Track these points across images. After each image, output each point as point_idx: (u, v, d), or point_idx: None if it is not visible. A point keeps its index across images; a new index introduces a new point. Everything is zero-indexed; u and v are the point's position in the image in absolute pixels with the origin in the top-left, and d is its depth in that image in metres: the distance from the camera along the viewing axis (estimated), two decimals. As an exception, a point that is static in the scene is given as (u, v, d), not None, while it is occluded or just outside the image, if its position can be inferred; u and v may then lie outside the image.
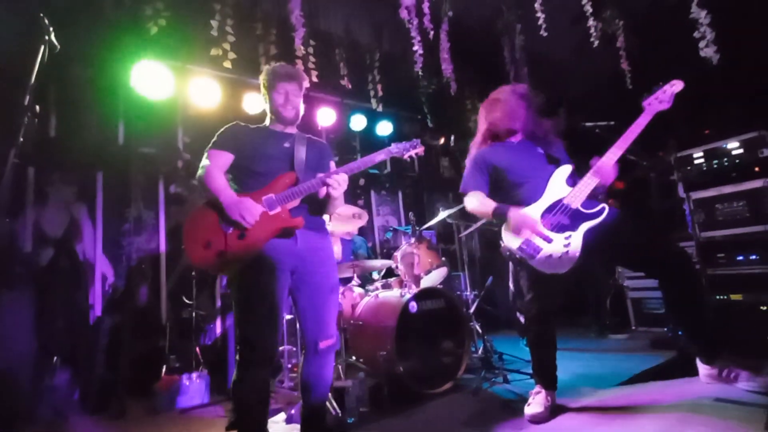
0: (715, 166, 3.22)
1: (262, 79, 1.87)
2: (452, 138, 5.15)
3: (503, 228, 1.93)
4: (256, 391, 1.59)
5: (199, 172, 1.69)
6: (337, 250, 3.24)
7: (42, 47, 1.38)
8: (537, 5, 3.17)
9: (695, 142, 3.33)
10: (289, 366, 2.84)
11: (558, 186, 1.93)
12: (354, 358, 2.73)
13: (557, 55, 4.03)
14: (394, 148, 1.89)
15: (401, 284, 3.06)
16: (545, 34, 3.20)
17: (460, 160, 4.85)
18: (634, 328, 3.87)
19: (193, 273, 3.21)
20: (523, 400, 2.02)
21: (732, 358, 1.76)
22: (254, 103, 3.79)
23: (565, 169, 1.96)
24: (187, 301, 3.14)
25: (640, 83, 3.57)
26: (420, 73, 3.62)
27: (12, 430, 2.35)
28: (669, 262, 1.78)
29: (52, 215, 3.22)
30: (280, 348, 2.83)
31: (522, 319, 3.39)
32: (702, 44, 2.91)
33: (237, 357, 1.58)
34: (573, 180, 1.94)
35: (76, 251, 3.27)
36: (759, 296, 2.87)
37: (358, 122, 4.64)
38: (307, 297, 1.71)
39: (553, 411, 1.89)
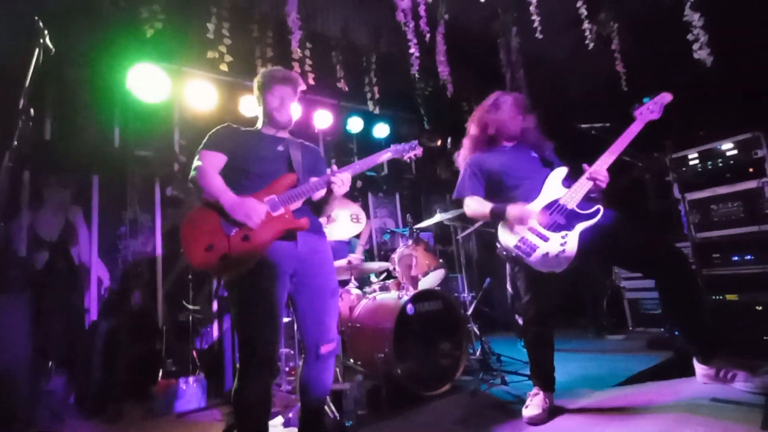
0: (710, 167, 3.24)
1: (257, 81, 1.85)
2: (449, 140, 5.16)
3: (500, 227, 1.94)
4: (258, 400, 1.53)
5: (193, 173, 1.64)
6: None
7: (37, 50, 1.37)
8: (532, 8, 3.19)
9: (690, 144, 3.36)
10: (287, 369, 2.83)
11: (554, 187, 1.95)
12: (352, 360, 2.72)
13: (553, 57, 4.05)
14: (394, 149, 1.90)
15: (399, 286, 3.06)
16: (541, 36, 3.22)
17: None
18: (631, 328, 3.88)
19: (190, 276, 3.19)
20: (521, 401, 2.02)
21: (729, 358, 1.77)
22: (251, 105, 3.78)
23: (561, 171, 1.99)
24: (188, 306, 3.12)
25: (635, 85, 3.59)
26: (417, 75, 3.63)
27: (8, 434, 2.33)
28: (666, 263, 1.79)
29: (48, 218, 3.21)
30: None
31: (520, 321, 3.39)
32: (696, 46, 2.93)
33: (238, 364, 1.54)
34: (568, 182, 1.95)
35: (72, 254, 3.25)
36: (754, 296, 2.88)
37: (355, 124, 4.65)
38: (307, 300, 1.68)
39: (551, 412, 1.89)
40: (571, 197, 1.87)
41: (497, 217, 1.94)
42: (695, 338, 1.81)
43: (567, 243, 1.80)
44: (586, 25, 3.34)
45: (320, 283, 1.70)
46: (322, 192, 1.74)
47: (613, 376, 2.44)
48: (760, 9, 3.09)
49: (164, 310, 3.51)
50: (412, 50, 3.36)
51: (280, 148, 1.78)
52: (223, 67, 3.08)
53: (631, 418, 1.72)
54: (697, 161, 3.31)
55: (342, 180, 1.68)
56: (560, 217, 1.85)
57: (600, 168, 1.89)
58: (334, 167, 1.74)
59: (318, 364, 1.68)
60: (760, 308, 2.85)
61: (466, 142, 2.22)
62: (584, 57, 3.56)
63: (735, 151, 3.12)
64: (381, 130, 4.85)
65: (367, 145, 5.13)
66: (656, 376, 2.29)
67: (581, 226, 1.82)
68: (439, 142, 5.42)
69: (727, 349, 1.79)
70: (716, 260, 3.13)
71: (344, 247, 3.48)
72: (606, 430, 1.66)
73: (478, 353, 2.94)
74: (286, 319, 2.98)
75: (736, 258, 3.04)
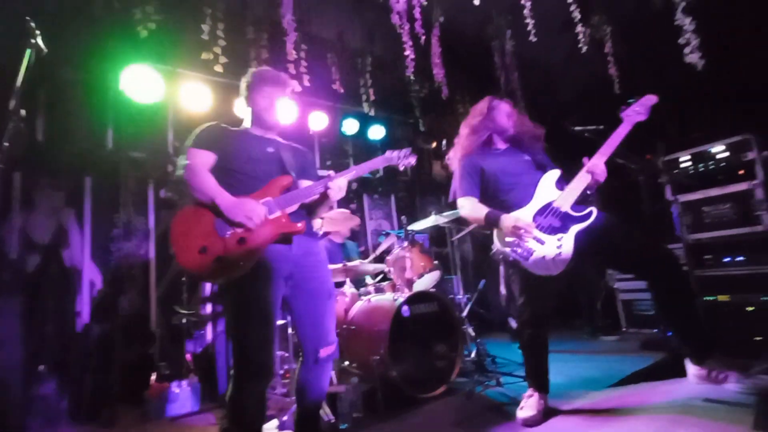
0: (702, 169, 3.27)
1: (245, 80, 1.81)
2: (444, 142, 5.18)
3: (495, 231, 1.94)
4: (253, 406, 1.50)
5: (181, 172, 1.58)
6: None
7: (29, 50, 1.36)
8: (526, 11, 3.21)
9: (682, 146, 3.39)
10: (281, 372, 2.81)
11: (547, 190, 1.96)
12: (347, 363, 2.71)
13: (547, 60, 4.08)
14: (389, 156, 1.91)
15: (394, 288, 3.06)
16: (535, 39, 3.24)
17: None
18: (624, 329, 3.90)
19: (183, 279, 3.17)
20: (516, 403, 2.02)
21: (720, 358, 1.78)
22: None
23: (554, 174, 2.00)
24: (181, 311, 3.09)
25: (628, 88, 3.63)
26: (412, 77, 3.64)
27: (-1, 440, 2.30)
28: (657, 264, 1.80)
29: (40, 221, 3.17)
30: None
31: (513, 323, 3.40)
32: (687, 50, 2.97)
33: (232, 371, 1.50)
34: (561, 184, 1.96)
35: (64, 257, 3.22)
36: (746, 297, 2.91)
37: (350, 126, 4.65)
38: (304, 304, 1.66)
39: (546, 414, 1.90)
40: (565, 199, 1.88)
41: (491, 225, 1.95)
42: (688, 339, 1.82)
43: (563, 246, 1.81)
44: (579, 28, 3.37)
45: (317, 286, 1.69)
46: (316, 195, 1.73)
47: (607, 377, 2.46)
48: (751, 12, 3.14)
49: (157, 314, 3.48)
50: (407, 52, 3.37)
51: (270, 149, 1.74)
52: (218, 69, 3.07)
53: (625, 418, 1.73)
54: (689, 163, 3.34)
55: (339, 186, 1.68)
56: (555, 220, 1.86)
57: (599, 161, 1.90)
58: (332, 173, 1.73)
59: (316, 367, 1.66)
60: (752, 309, 2.88)
61: (460, 145, 2.23)
62: (577, 60, 3.59)
63: (726, 154, 3.16)
64: (376, 132, 4.85)
65: (362, 146, 5.13)
66: (650, 377, 2.30)
67: (576, 228, 1.83)
68: (434, 145, 5.44)
69: (719, 349, 1.81)
70: (708, 261, 3.16)
71: (338, 250, 3.48)
72: (600, 431, 1.67)
73: (473, 355, 2.94)
74: (280, 321, 2.96)
75: (727, 259, 3.07)
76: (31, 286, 3.00)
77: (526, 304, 2.01)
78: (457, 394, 2.49)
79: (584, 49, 3.45)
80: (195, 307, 3.52)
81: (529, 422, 1.86)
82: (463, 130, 2.24)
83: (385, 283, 3.20)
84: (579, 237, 1.82)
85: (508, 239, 1.87)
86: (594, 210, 1.87)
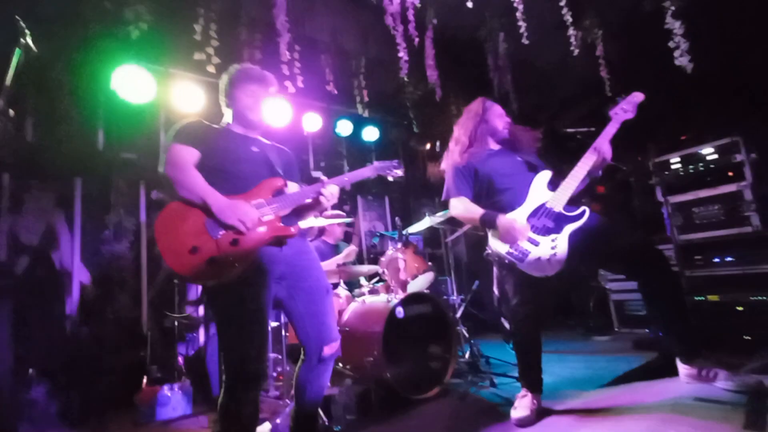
0: (692, 170, 3.31)
1: (227, 76, 1.76)
2: (438, 143, 5.19)
3: (490, 233, 1.95)
4: (247, 412, 1.46)
5: (166, 168, 1.51)
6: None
7: (18, 50, 1.34)
8: (519, 14, 3.23)
9: (672, 148, 3.44)
10: (274, 374, 2.79)
11: (540, 191, 1.97)
12: (341, 364, 2.70)
13: (540, 62, 4.11)
14: (378, 166, 1.93)
15: (388, 289, 3.06)
16: (527, 41, 3.27)
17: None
18: (616, 329, 3.93)
19: (175, 281, 3.14)
20: (510, 403, 2.03)
21: (710, 357, 1.80)
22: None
23: (545, 175, 2.02)
24: (172, 315, 3.05)
25: (619, 90, 3.66)
26: (405, 78, 3.65)
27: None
28: (648, 265, 1.82)
29: (29, 223, 3.12)
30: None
31: (506, 324, 3.41)
32: (677, 53, 3.01)
33: (224, 378, 1.45)
34: (553, 185, 1.98)
35: (53, 259, 3.17)
36: (735, 297, 2.95)
37: (344, 128, 4.64)
38: (303, 303, 1.63)
39: (539, 414, 1.91)
40: (558, 199, 1.90)
41: (487, 226, 1.95)
42: (678, 338, 1.84)
43: (557, 246, 1.83)
44: (571, 31, 3.40)
45: (313, 284, 1.67)
46: (309, 200, 1.71)
47: (600, 377, 2.47)
48: (741, 16, 3.19)
49: (149, 316, 3.44)
50: (400, 54, 3.38)
51: (255, 148, 1.70)
52: (211, 69, 3.05)
53: (618, 418, 1.74)
54: (679, 165, 3.38)
55: (332, 193, 1.68)
56: (548, 221, 1.87)
57: (604, 141, 1.93)
58: (325, 178, 1.72)
59: (320, 366, 1.65)
60: (741, 309, 2.92)
61: (453, 145, 2.24)
62: (569, 62, 3.63)
63: (715, 156, 3.20)
64: (370, 134, 4.85)
65: (356, 148, 5.13)
66: (642, 377, 2.32)
67: (569, 228, 1.85)
68: (428, 146, 5.45)
69: (709, 348, 1.83)
70: (698, 262, 3.20)
71: (331, 251, 3.47)
72: (593, 431, 1.68)
73: (467, 356, 2.95)
74: (274, 323, 2.95)
75: (717, 260, 3.11)
76: (20, 289, 2.95)
77: (520, 305, 2.02)
78: (452, 395, 2.49)
79: (576, 51, 3.48)
80: (188, 309, 3.49)
81: (523, 422, 1.86)
82: (457, 130, 2.25)
83: (379, 285, 3.20)
84: (572, 237, 1.84)
85: (503, 243, 1.88)
86: (587, 210, 1.89)
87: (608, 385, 2.33)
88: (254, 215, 1.50)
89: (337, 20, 3.82)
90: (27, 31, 1.36)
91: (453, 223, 3.38)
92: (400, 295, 2.63)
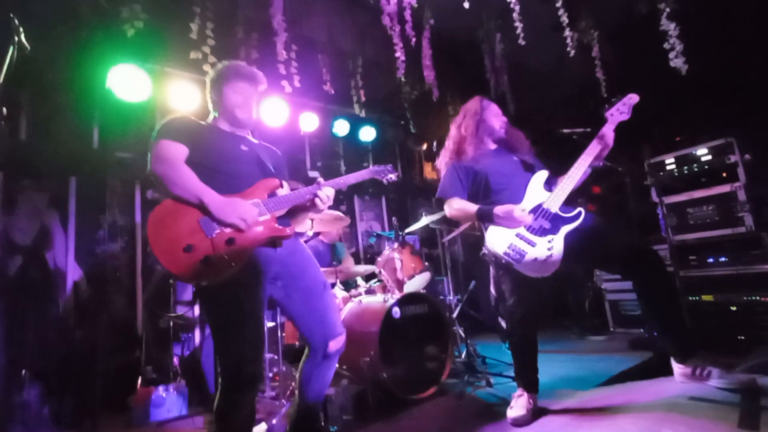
0: (686, 171, 3.34)
1: (215, 72, 1.73)
2: (435, 143, 5.20)
3: (488, 234, 1.95)
4: (243, 414, 1.45)
5: (154, 166, 1.46)
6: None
7: (11, 48, 1.33)
8: (516, 15, 3.24)
9: (667, 149, 3.46)
10: (270, 375, 2.78)
11: (536, 191, 1.98)
12: (337, 365, 2.69)
13: (536, 63, 4.13)
14: (374, 170, 1.94)
15: (384, 290, 3.05)
16: (524, 43, 3.28)
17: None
18: (612, 329, 3.95)
19: (171, 281, 3.12)
20: (506, 403, 2.03)
21: (704, 356, 1.82)
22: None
23: (542, 175, 2.02)
24: (167, 315, 3.03)
25: (615, 91, 3.69)
26: (402, 79, 3.65)
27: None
28: (642, 265, 1.83)
29: (22, 222, 3.09)
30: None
31: (503, 324, 3.42)
32: (671, 55, 3.03)
33: (220, 380, 1.44)
34: (550, 185, 1.98)
35: (47, 259, 3.14)
36: (729, 297, 2.98)
37: (341, 128, 4.64)
38: (302, 302, 1.63)
39: (535, 413, 1.91)
40: (554, 200, 1.90)
41: (483, 217, 1.94)
42: (672, 338, 1.85)
43: (553, 247, 1.83)
44: (567, 32, 3.42)
45: (310, 282, 1.67)
46: (305, 201, 1.70)
47: (596, 376, 2.48)
48: (735, 18, 3.22)
49: (144, 316, 3.42)
50: (397, 54, 3.38)
51: (243, 147, 1.68)
52: (207, 68, 3.03)
53: (613, 417, 1.74)
54: (674, 166, 3.41)
55: (327, 195, 1.68)
56: (545, 222, 1.87)
57: (608, 130, 1.94)
58: (322, 179, 1.72)
59: (325, 362, 1.66)
60: (735, 308, 2.95)
61: (449, 145, 2.24)
62: (566, 63, 3.64)
63: (709, 157, 3.23)
64: (367, 134, 4.85)
65: (353, 148, 5.13)
66: (637, 376, 2.33)
67: (565, 229, 1.86)
68: (424, 146, 5.46)
69: (703, 347, 1.84)
70: (693, 262, 3.23)
71: (328, 251, 3.46)
72: (589, 430, 1.68)
73: (463, 356, 2.95)
74: (270, 324, 2.94)
75: (711, 260, 3.14)
76: (13, 290, 2.92)
77: (516, 305, 2.02)
78: (448, 395, 2.50)
79: (572, 53, 3.50)
80: (182, 309, 3.47)
81: (519, 422, 1.87)
82: (453, 129, 2.25)
83: (375, 285, 3.19)
84: (568, 238, 1.84)
85: (500, 243, 1.87)
86: (582, 211, 1.90)
87: (604, 384, 2.34)
88: (254, 213, 1.49)
89: (334, 20, 3.81)
90: (21, 29, 1.34)
91: (450, 223, 3.38)
92: (397, 295, 2.62)
